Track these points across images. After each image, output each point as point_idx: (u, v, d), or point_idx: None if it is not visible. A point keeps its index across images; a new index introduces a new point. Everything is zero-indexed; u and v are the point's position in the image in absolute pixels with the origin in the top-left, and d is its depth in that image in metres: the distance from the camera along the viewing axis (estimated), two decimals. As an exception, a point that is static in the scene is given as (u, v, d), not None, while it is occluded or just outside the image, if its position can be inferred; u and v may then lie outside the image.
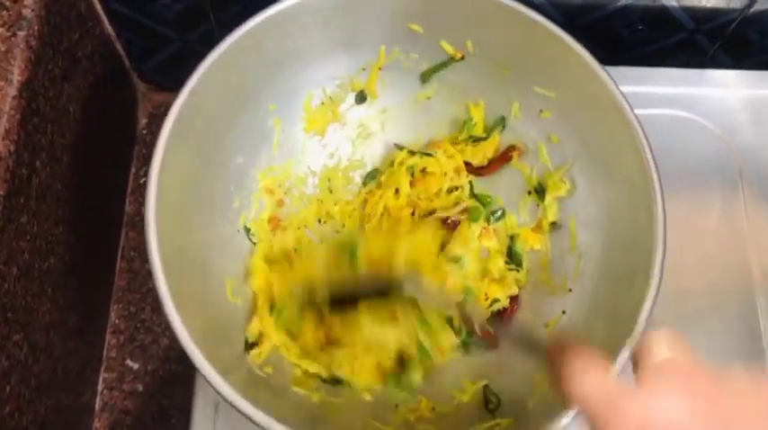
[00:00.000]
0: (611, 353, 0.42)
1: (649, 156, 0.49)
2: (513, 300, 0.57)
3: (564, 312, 0.53)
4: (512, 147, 0.59)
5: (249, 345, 0.51)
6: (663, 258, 0.47)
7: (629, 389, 0.33)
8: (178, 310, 0.42)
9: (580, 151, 0.55)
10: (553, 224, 0.57)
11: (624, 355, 0.42)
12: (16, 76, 0.47)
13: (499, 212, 0.60)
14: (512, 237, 0.59)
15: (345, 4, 0.53)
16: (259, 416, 0.41)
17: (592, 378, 0.34)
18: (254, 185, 0.57)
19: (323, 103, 0.59)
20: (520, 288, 0.57)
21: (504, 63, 0.56)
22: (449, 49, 0.57)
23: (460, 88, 0.59)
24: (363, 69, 0.59)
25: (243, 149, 0.56)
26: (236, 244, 0.55)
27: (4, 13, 0.49)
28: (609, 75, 0.51)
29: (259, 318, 0.52)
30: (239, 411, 0.41)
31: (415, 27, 0.56)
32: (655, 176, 0.49)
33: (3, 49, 0.48)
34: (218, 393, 0.41)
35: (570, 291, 0.54)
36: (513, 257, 0.58)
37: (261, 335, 0.52)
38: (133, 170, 0.73)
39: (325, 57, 0.57)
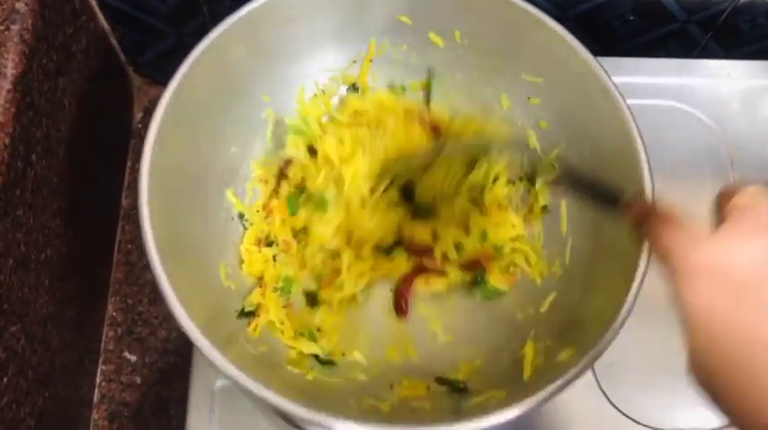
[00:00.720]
0: (605, 325, 0.43)
1: (636, 133, 0.50)
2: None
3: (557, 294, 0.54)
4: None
5: (245, 314, 0.52)
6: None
7: (705, 234, 0.33)
8: (176, 293, 0.42)
9: (570, 135, 0.56)
10: (544, 208, 0.58)
11: (618, 323, 0.44)
12: (10, 69, 0.48)
13: None
14: None
15: None
16: (257, 388, 0.42)
17: (664, 228, 0.35)
18: (248, 174, 0.58)
19: (315, 95, 0.60)
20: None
21: (492, 52, 0.57)
22: (437, 40, 0.58)
23: (450, 78, 0.60)
24: (354, 62, 0.59)
25: (236, 139, 0.56)
26: (230, 231, 0.56)
27: (-2, 7, 0.49)
28: (594, 57, 0.52)
29: (262, 291, 0.53)
30: (237, 385, 0.42)
31: (404, 19, 0.56)
32: (642, 155, 0.49)
33: (-3, 42, 0.48)
34: (217, 368, 0.42)
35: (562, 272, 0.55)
36: None
37: (258, 307, 0.53)
38: (129, 164, 0.74)
39: (316, 49, 0.58)
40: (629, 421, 0.55)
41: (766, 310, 0.30)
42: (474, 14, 0.55)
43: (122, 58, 0.72)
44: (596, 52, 0.52)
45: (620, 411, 0.56)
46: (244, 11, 0.51)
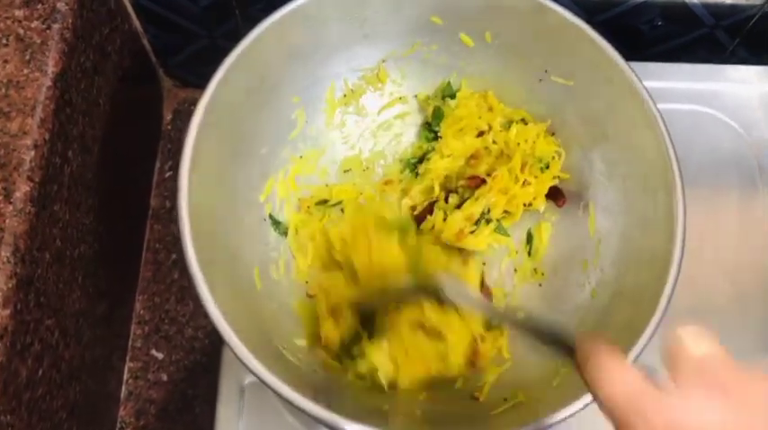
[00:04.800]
0: (634, 335, 0.43)
1: (667, 138, 0.50)
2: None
3: (593, 294, 0.54)
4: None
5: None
6: (683, 238, 0.47)
7: (658, 389, 0.31)
8: (211, 292, 0.43)
9: (599, 138, 0.56)
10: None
11: (646, 336, 0.43)
12: (51, 67, 0.49)
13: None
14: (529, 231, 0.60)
15: None
16: (287, 391, 0.42)
17: (618, 378, 0.32)
18: (278, 175, 0.58)
19: (344, 95, 0.61)
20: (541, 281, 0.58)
21: (523, 52, 0.57)
22: (468, 40, 0.58)
23: (479, 79, 0.60)
24: (384, 61, 0.60)
25: (267, 140, 0.57)
26: (262, 232, 0.57)
27: (40, 6, 0.50)
28: (624, 59, 0.52)
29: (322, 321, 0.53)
30: (268, 386, 0.42)
31: (436, 19, 0.57)
32: (674, 159, 0.49)
33: (38, 41, 0.49)
34: (249, 369, 0.42)
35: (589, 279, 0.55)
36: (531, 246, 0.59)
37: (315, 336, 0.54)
38: (158, 164, 0.75)
39: (346, 48, 0.58)
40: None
41: None
42: (505, 15, 0.55)
43: (153, 59, 0.73)
44: (624, 57, 0.52)
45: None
46: (278, 15, 0.52)
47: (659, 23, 0.68)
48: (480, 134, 0.59)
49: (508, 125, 0.59)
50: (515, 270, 0.59)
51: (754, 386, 0.31)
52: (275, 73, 0.55)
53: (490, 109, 0.60)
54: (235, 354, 0.42)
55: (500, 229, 0.59)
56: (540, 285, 0.58)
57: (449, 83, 0.61)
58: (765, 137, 0.66)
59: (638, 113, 0.52)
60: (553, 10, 0.53)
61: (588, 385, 0.33)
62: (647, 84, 0.52)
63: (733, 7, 0.66)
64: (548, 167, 0.58)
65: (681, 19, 0.67)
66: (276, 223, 0.57)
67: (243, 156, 0.55)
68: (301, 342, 0.53)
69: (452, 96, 0.61)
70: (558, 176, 0.59)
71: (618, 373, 0.32)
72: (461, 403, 0.51)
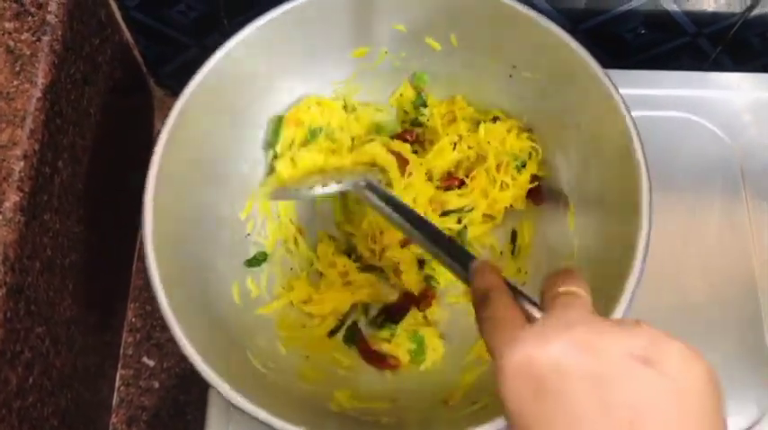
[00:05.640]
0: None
1: (628, 119, 0.50)
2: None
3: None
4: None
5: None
6: (647, 238, 0.48)
7: (523, 329, 0.32)
8: (180, 324, 0.45)
9: (572, 130, 0.57)
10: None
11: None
12: (41, 78, 0.49)
13: None
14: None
15: (327, 10, 0.56)
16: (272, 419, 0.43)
17: (497, 324, 0.34)
18: (258, 191, 0.60)
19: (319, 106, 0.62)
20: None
21: (489, 51, 0.58)
22: (434, 44, 0.59)
23: (447, 80, 0.61)
24: (356, 75, 0.61)
25: (247, 158, 0.59)
26: (243, 250, 0.58)
27: (30, 18, 0.51)
28: (586, 50, 0.53)
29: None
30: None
31: (399, 27, 0.58)
32: (636, 140, 0.50)
33: (28, 52, 0.50)
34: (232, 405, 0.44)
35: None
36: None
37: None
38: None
39: (315, 63, 0.59)
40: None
41: (563, 412, 0.29)
42: (465, 17, 0.56)
43: (144, 69, 0.74)
44: (608, 64, 0.53)
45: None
46: (246, 31, 0.54)
47: (642, 32, 0.69)
48: (454, 145, 0.60)
49: (476, 126, 0.60)
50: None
51: (610, 333, 0.30)
52: (244, 92, 0.56)
53: (453, 120, 0.61)
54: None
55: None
56: (524, 284, 0.58)
57: (419, 94, 0.62)
58: (748, 143, 0.67)
59: (603, 100, 0.52)
60: (512, 7, 0.54)
61: (480, 331, 0.35)
62: (631, 91, 0.53)
63: (714, 15, 0.67)
64: (524, 166, 0.59)
65: (663, 27, 0.68)
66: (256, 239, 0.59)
67: (219, 176, 0.56)
68: (280, 350, 0.54)
69: (424, 105, 0.62)
70: (537, 175, 0.60)
71: (498, 322, 0.34)
72: (431, 408, 0.52)
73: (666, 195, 0.60)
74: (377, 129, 0.63)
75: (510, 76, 0.58)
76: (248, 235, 0.58)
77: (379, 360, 0.56)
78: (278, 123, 0.60)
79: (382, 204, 0.50)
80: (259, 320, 0.56)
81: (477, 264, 0.40)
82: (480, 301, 0.36)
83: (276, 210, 0.61)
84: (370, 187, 0.52)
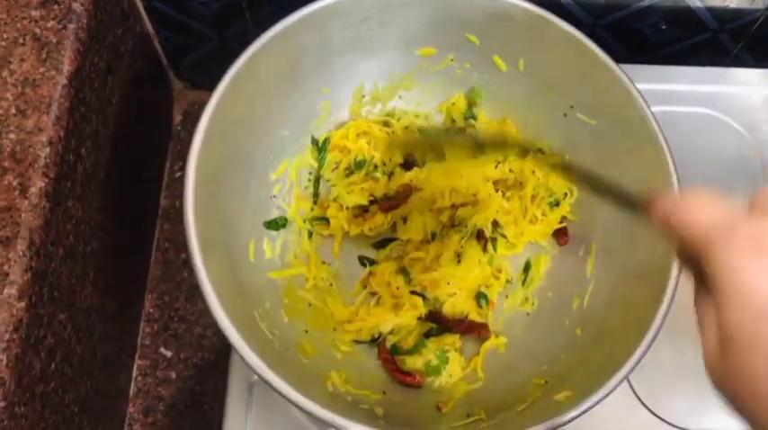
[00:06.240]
0: (610, 372, 0.44)
1: (676, 186, 0.50)
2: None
3: (578, 330, 0.54)
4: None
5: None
6: (674, 288, 0.47)
7: (739, 214, 0.32)
8: (209, 275, 0.44)
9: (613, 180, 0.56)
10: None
11: (633, 363, 0.44)
12: (66, 65, 0.50)
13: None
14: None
15: (407, 3, 0.56)
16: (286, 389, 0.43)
17: (698, 207, 0.33)
18: (294, 159, 0.60)
19: (372, 96, 0.62)
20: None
21: (552, 85, 0.58)
22: (501, 64, 0.59)
23: (503, 102, 0.61)
24: (415, 72, 0.61)
25: (290, 123, 0.58)
26: (265, 209, 0.58)
27: (56, 7, 0.52)
28: (647, 105, 0.52)
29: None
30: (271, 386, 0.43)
31: (472, 38, 0.58)
32: None
33: (54, 40, 0.50)
34: (252, 369, 0.43)
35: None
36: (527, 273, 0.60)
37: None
38: (168, 165, 0.76)
39: (381, 51, 0.59)
40: (660, 421, 0.56)
41: None
42: (541, 46, 0.56)
43: (164, 61, 0.74)
44: (629, 60, 0.53)
45: (651, 412, 0.56)
46: (317, 5, 0.53)
47: (663, 27, 0.69)
48: (497, 164, 0.60)
49: (524, 154, 0.60)
50: (506, 296, 0.59)
51: None
52: (308, 60, 0.56)
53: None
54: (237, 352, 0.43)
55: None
56: (528, 314, 0.58)
57: (470, 107, 0.62)
58: (768, 139, 0.67)
59: (652, 159, 0.51)
60: (590, 48, 0.53)
61: (670, 228, 0.34)
62: (652, 86, 0.53)
63: (737, 11, 0.67)
64: (557, 205, 0.59)
65: (685, 23, 0.68)
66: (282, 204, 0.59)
67: (262, 132, 0.56)
68: (283, 317, 0.55)
69: (474, 118, 0.62)
70: (566, 217, 0.60)
71: (697, 203, 0.33)
72: (424, 410, 0.52)
73: (686, 190, 0.60)
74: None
75: (565, 114, 0.58)
76: (274, 196, 0.59)
77: (402, 374, 0.56)
78: (324, 145, 0.61)
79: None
80: (268, 283, 0.56)
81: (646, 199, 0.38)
82: (666, 217, 0.35)
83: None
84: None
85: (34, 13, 0.51)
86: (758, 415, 0.29)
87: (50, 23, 0.51)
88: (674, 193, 0.36)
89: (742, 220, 0.32)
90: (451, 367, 0.55)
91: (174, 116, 0.78)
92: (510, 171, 0.60)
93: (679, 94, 0.68)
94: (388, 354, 0.56)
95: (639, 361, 0.44)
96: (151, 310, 0.69)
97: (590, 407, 0.43)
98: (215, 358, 0.68)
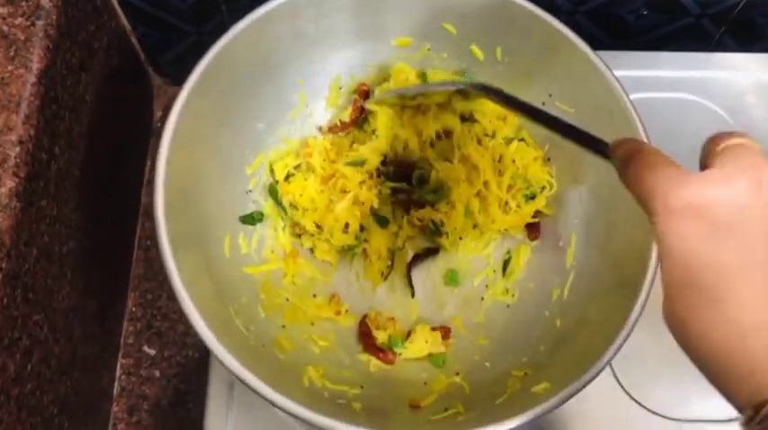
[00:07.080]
0: (589, 361, 0.44)
1: None
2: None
3: (558, 320, 0.54)
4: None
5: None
6: (654, 272, 0.47)
7: (689, 175, 0.32)
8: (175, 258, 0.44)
9: (592, 170, 0.56)
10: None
11: (602, 362, 0.44)
12: (35, 63, 0.49)
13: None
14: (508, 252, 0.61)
15: None
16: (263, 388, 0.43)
17: (657, 170, 0.33)
18: (269, 152, 0.59)
19: (349, 86, 0.61)
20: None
21: (530, 73, 0.57)
22: (478, 53, 0.58)
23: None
24: (395, 60, 0.60)
25: (265, 117, 0.58)
26: (241, 204, 0.58)
27: (24, 3, 0.51)
28: (626, 93, 0.52)
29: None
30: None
31: (449, 27, 0.57)
32: None
33: (22, 38, 0.49)
34: (225, 366, 0.43)
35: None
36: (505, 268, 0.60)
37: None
38: (149, 162, 0.75)
39: (357, 41, 0.59)
40: (644, 410, 0.56)
41: (741, 247, 0.30)
42: (518, 34, 0.55)
43: (142, 57, 0.73)
44: (610, 46, 0.52)
45: (634, 400, 0.56)
46: None
47: (645, 12, 0.68)
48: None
49: (509, 141, 0.60)
50: (487, 286, 0.59)
51: None
52: (282, 51, 0.56)
53: (504, 119, 0.60)
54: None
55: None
56: (509, 306, 0.58)
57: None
58: (752, 124, 0.67)
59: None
60: (566, 36, 0.53)
61: (632, 178, 0.34)
62: (634, 73, 0.53)
63: (718, -4, 0.66)
64: (533, 198, 0.59)
65: (666, 8, 0.68)
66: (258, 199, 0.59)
67: (236, 126, 0.56)
68: (260, 313, 0.54)
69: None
70: (541, 211, 0.59)
71: (659, 168, 0.33)
72: (402, 408, 0.51)
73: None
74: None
75: (543, 103, 0.57)
76: (249, 191, 0.58)
77: (376, 349, 0.56)
78: (273, 190, 0.60)
79: (506, 100, 0.49)
80: (244, 278, 0.55)
81: (616, 140, 0.38)
82: (629, 157, 0.35)
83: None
84: (486, 89, 0.51)
85: (1, 10, 0.50)
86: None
87: (18, 20, 0.50)
88: (634, 142, 0.36)
89: (688, 187, 0.32)
90: (416, 338, 0.56)
91: (155, 112, 0.77)
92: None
93: (662, 80, 0.67)
94: (367, 328, 0.57)
95: (618, 351, 0.44)
96: (134, 309, 0.69)
97: (568, 398, 0.43)
98: (198, 356, 0.67)
